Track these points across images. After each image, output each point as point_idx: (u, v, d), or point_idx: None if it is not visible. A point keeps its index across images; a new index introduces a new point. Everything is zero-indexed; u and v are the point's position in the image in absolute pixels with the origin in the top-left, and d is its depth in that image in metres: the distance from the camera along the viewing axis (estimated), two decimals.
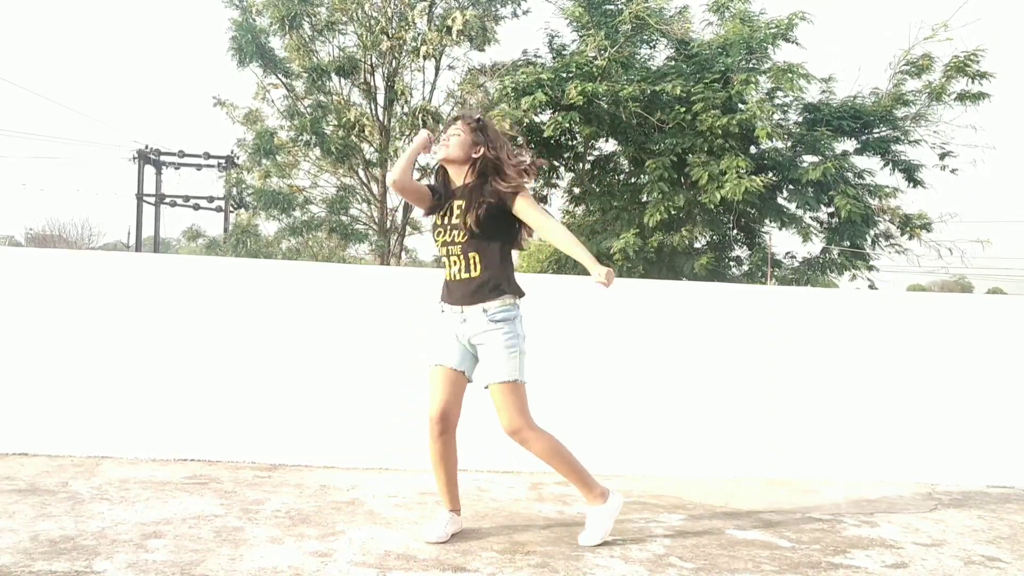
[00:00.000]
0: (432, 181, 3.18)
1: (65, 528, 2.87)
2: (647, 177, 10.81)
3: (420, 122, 12.61)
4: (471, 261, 2.94)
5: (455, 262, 2.97)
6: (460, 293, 2.97)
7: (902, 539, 3.29)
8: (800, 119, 11.55)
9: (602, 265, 2.89)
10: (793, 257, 11.77)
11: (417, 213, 14.69)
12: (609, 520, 3.05)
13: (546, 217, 3.00)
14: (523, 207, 2.95)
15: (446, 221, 3.01)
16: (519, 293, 2.98)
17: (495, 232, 2.96)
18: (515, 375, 2.91)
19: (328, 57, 12.99)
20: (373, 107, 13.34)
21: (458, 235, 2.95)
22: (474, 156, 2.99)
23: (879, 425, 4.45)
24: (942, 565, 2.98)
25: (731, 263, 11.70)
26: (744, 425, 4.38)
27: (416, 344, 4.22)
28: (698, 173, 10.14)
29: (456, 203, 2.99)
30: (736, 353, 4.42)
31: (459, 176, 3.03)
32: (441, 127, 3.21)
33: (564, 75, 10.78)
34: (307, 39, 12.71)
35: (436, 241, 3.05)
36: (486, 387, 2.95)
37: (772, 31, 10.83)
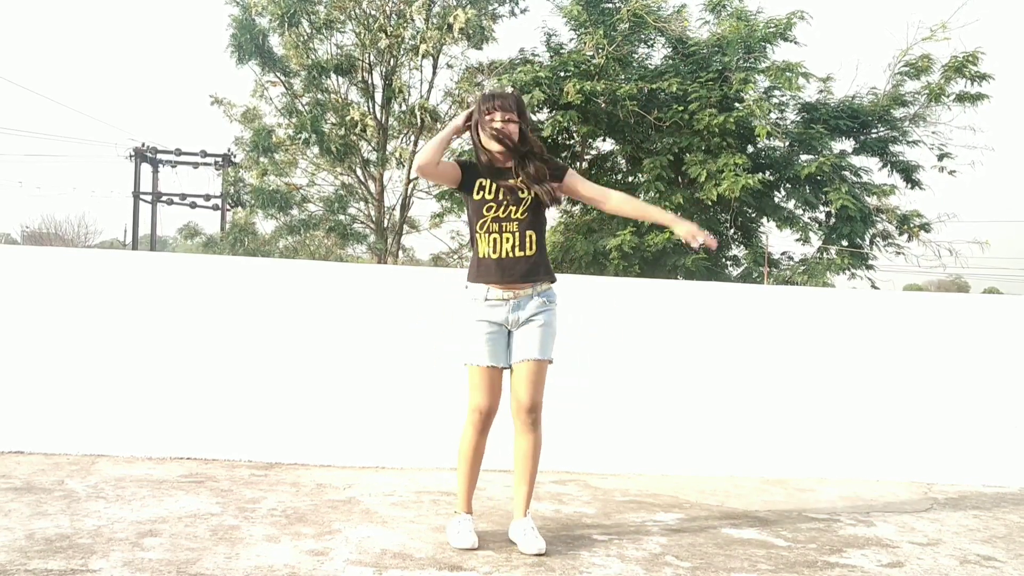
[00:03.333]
0: (467, 158, 3.14)
1: (61, 526, 2.86)
2: (644, 176, 10.81)
3: (418, 120, 12.60)
4: (528, 239, 2.93)
5: (508, 239, 2.92)
6: (515, 271, 2.91)
7: (898, 538, 3.30)
8: (798, 118, 11.55)
9: (685, 221, 2.99)
10: (790, 257, 11.77)
11: (415, 212, 14.70)
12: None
13: (602, 187, 3.08)
14: (577, 181, 3.05)
15: (502, 197, 2.93)
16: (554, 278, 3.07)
17: (544, 213, 3.04)
18: (552, 355, 2.98)
19: (326, 55, 12.98)
20: (371, 105, 13.33)
21: (515, 211, 2.93)
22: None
23: (875, 424, 4.46)
24: (938, 564, 2.98)
25: (728, 262, 11.70)
26: (740, 424, 4.39)
27: (413, 343, 4.21)
28: (696, 171, 10.14)
29: (513, 181, 2.94)
30: (732, 352, 4.42)
31: (505, 156, 2.96)
32: (480, 105, 3.10)
33: (562, 74, 10.78)
34: (306, 37, 12.69)
35: (484, 215, 2.93)
36: (520, 361, 2.92)
37: (771, 30, 10.82)
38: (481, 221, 2.94)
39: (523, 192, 2.93)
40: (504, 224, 2.92)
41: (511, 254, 2.91)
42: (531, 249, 2.94)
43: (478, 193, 2.95)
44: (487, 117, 2.94)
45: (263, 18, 12.56)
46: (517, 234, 2.92)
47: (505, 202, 2.93)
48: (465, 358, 2.97)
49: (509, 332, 2.97)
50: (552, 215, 9.81)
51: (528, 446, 2.97)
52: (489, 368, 2.93)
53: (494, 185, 2.94)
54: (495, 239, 2.92)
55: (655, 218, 3.20)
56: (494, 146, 2.93)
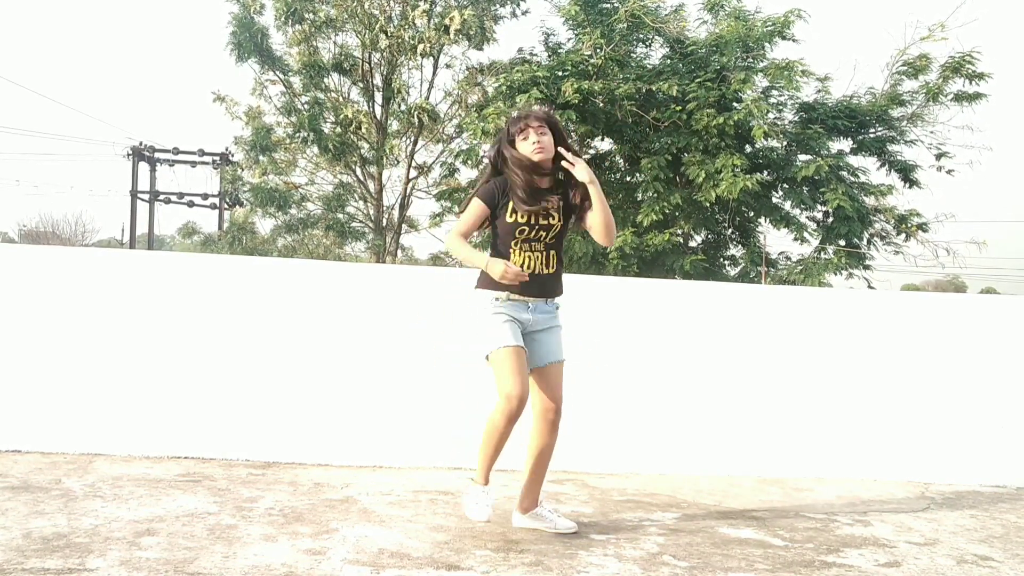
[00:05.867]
0: (484, 177, 3.11)
1: (58, 525, 2.86)
2: (643, 176, 10.81)
3: (417, 120, 12.60)
4: (551, 258, 3.03)
5: (537, 258, 3.00)
6: (535, 287, 2.99)
7: (895, 538, 3.30)
8: (796, 118, 11.55)
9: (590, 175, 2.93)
10: (788, 257, 11.78)
11: (414, 211, 14.73)
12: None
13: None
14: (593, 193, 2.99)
15: (535, 221, 2.97)
16: None
17: (566, 231, 3.12)
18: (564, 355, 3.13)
19: (328, 54, 13.00)
20: (371, 105, 13.34)
21: (547, 234, 3.00)
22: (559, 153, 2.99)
23: (872, 424, 4.46)
24: (935, 564, 2.99)
25: (726, 262, 11.72)
26: (738, 424, 4.39)
27: (412, 343, 4.21)
28: (694, 172, 10.14)
29: (548, 204, 2.96)
30: (730, 352, 4.43)
31: (542, 177, 3.00)
32: (509, 128, 3.02)
33: (560, 73, 10.78)
34: (308, 34, 12.70)
35: (516, 236, 2.97)
36: (548, 364, 3.04)
37: (769, 29, 10.83)
38: (514, 241, 2.99)
39: (553, 218, 2.99)
40: (533, 245, 3.00)
41: (537, 271, 2.99)
42: (552, 267, 3.04)
43: (511, 216, 2.98)
44: (520, 137, 2.98)
45: (262, 16, 12.59)
46: (543, 254, 3.01)
47: (537, 226, 2.98)
48: (488, 346, 2.93)
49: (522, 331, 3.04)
50: None
51: (552, 443, 3.08)
52: (516, 348, 2.92)
53: (527, 210, 2.95)
54: (527, 256, 2.99)
55: (597, 202, 2.97)
56: (537, 157, 2.94)
